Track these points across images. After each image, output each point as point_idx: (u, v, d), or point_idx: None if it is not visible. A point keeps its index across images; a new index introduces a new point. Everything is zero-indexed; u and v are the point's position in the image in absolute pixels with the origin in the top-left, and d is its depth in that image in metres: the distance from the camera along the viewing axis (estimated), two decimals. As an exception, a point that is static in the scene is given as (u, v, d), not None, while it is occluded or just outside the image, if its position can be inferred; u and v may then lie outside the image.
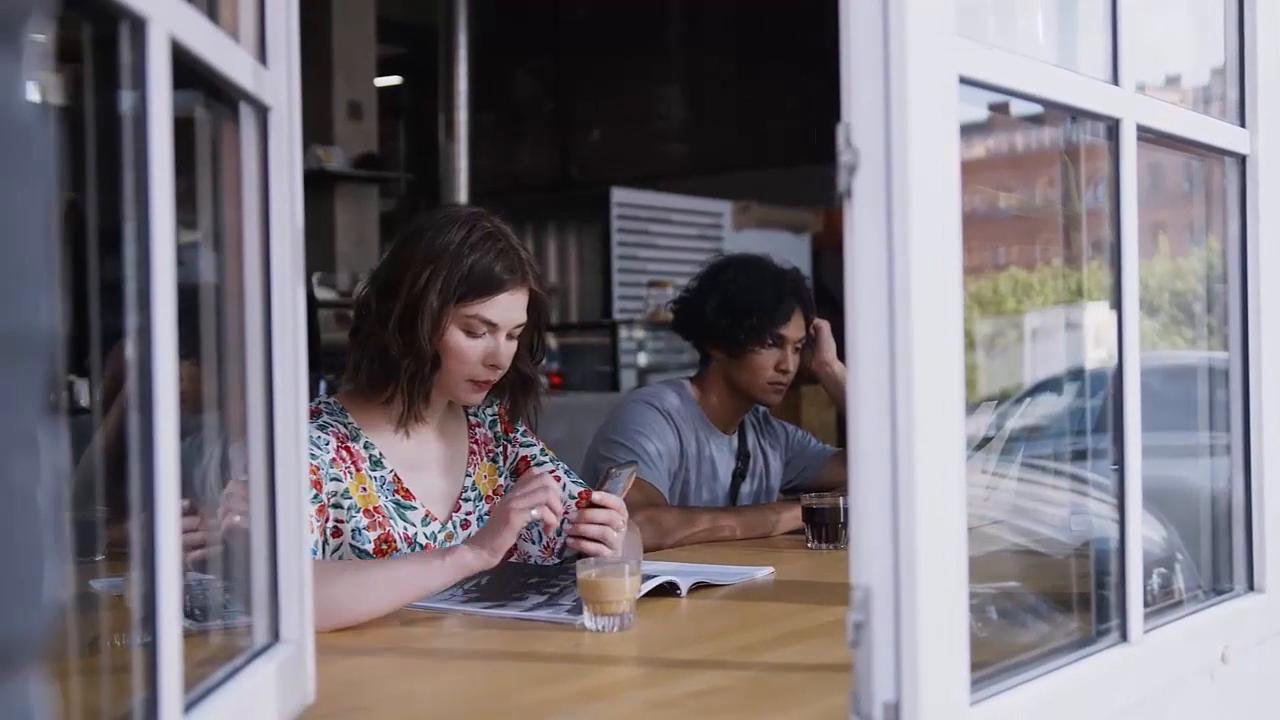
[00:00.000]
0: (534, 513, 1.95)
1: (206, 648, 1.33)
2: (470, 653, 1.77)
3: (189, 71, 1.10)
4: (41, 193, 0.51)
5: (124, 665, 1.13)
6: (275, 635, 1.35)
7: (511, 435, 2.40)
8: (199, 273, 1.33)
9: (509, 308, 2.18)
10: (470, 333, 2.17)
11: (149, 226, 0.99)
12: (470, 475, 2.32)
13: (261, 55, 1.33)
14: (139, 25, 0.98)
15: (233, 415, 1.39)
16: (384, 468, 2.20)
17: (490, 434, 2.39)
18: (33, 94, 0.52)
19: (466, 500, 2.31)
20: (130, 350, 1.00)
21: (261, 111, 1.33)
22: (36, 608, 0.51)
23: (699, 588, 2.16)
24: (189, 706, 1.08)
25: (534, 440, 2.42)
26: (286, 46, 1.36)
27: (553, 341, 7.53)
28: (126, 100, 1.00)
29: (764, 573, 2.33)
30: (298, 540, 1.37)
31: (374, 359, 2.18)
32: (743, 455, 3.12)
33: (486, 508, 2.32)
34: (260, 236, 1.34)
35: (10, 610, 0.50)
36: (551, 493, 1.98)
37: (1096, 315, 1.89)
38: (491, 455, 2.37)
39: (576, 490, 2.37)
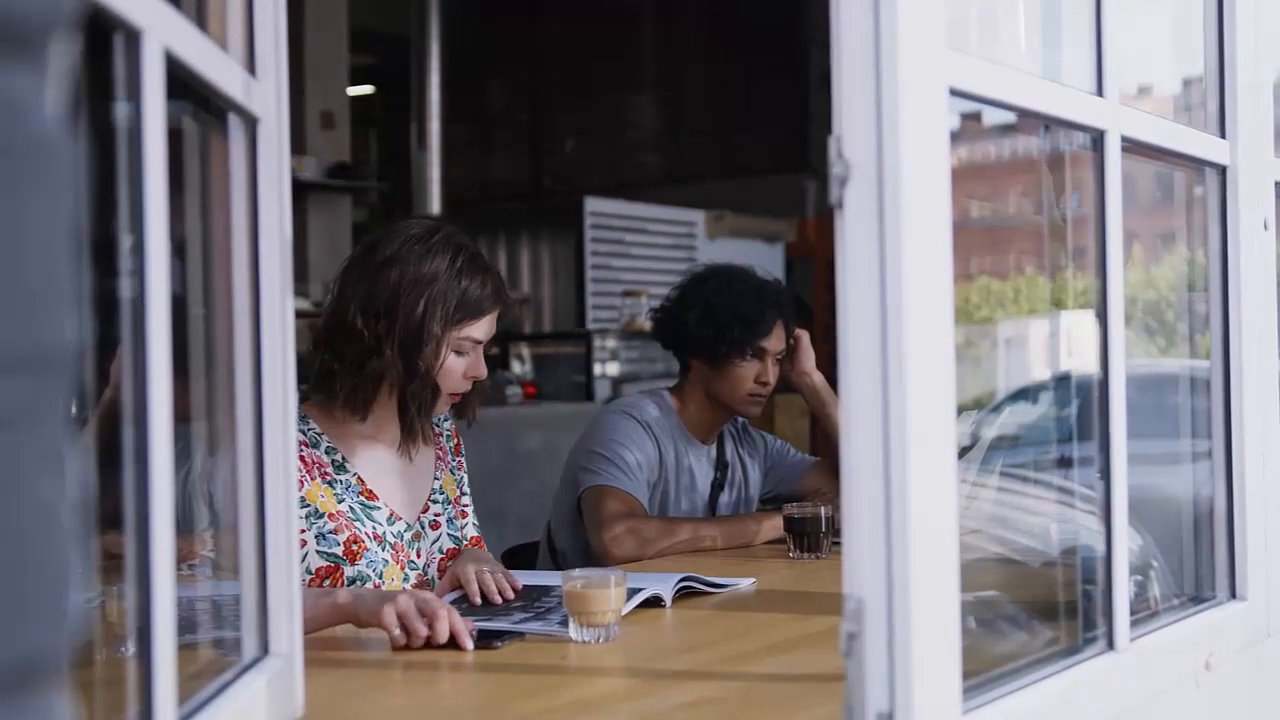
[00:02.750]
0: (395, 632, 1.81)
1: (195, 661, 1.32)
2: (457, 665, 1.76)
3: (179, 82, 1.09)
4: (66, 209, 0.51)
5: (112, 678, 1.13)
6: (265, 649, 1.34)
7: (458, 458, 2.49)
8: (186, 283, 1.32)
9: (492, 324, 2.30)
10: (459, 352, 2.26)
11: (144, 237, 0.98)
12: (439, 479, 2.40)
13: (251, 67, 1.32)
14: (134, 36, 0.97)
15: (218, 427, 1.38)
16: (348, 471, 2.26)
17: (448, 446, 2.47)
18: (56, 109, 0.52)
19: (435, 502, 2.38)
20: (124, 361, 0.99)
21: (251, 123, 1.32)
22: (62, 625, 0.51)
23: (686, 593, 2.16)
24: (182, 721, 1.07)
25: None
26: (275, 58, 1.36)
27: (526, 351, 7.52)
28: (120, 111, 0.99)
29: (747, 583, 2.34)
30: (287, 554, 1.37)
31: (370, 382, 2.22)
32: (721, 465, 3.12)
33: (453, 511, 2.40)
34: (249, 247, 1.34)
35: (38, 628, 0.49)
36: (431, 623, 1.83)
37: (1070, 324, 1.90)
38: (450, 467, 2.46)
39: (472, 534, 2.44)
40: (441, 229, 2.31)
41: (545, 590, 2.17)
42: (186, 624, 1.35)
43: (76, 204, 0.53)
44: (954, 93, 1.23)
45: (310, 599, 1.89)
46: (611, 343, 7.34)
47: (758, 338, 2.95)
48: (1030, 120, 1.60)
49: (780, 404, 6.50)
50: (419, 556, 2.31)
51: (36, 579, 0.49)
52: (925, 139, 1.18)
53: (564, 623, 1.89)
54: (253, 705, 1.26)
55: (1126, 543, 1.52)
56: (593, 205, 7.90)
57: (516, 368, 7.31)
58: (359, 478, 2.26)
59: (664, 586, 2.13)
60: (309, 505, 2.17)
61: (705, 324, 2.95)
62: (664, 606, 2.10)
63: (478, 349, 2.28)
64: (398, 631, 1.81)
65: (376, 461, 2.30)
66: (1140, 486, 1.74)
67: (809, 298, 7.38)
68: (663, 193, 8.69)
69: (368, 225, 8.80)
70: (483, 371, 2.29)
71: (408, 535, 2.29)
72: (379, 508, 2.26)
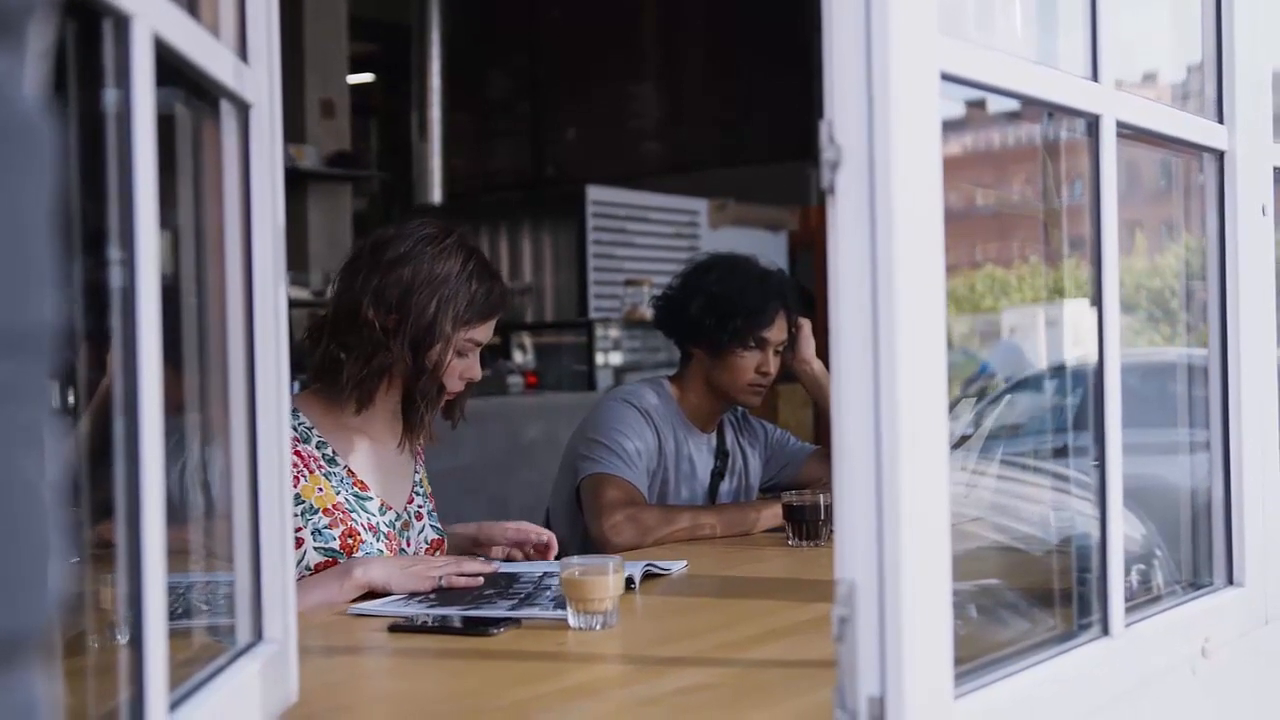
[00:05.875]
0: (442, 582, 2.13)
1: (188, 647, 1.32)
2: (453, 651, 1.76)
3: (169, 69, 1.09)
4: (45, 190, 0.52)
5: (103, 665, 1.13)
6: (258, 634, 1.35)
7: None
8: (178, 272, 1.32)
9: (492, 329, 2.36)
10: (461, 354, 2.31)
11: (134, 226, 0.98)
12: (418, 472, 2.45)
13: (242, 52, 1.32)
14: (122, 22, 0.97)
15: (213, 415, 1.38)
16: (339, 464, 2.29)
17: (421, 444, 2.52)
18: (35, 91, 0.52)
19: (418, 494, 2.43)
20: (115, 351, 0.99)
21: (243, 109, 1.32)
22: (42, 602, 0.51)
23: (687, 583, 2.18)
24: (174, 705, 1.07)
25: None
26: (267, 44, 1.36)
27: (528, 341, 7.52)
28: (109, 98, 0.99)
29: (679, 566, 2.36)
30: (280, 540, 1.37)
31: (375, 375, 2.26)
32: (721, 454, 3.12)
33: (431, 504, 2.46)
34: (241, 235, 1.34)
35: (19, 604, 0.50)
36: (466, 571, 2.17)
37: (1074, 313, 1.90)
38: (424, 461, 2.51)
39: (432, 536, 2.45)
40: (454, 231, 2.35)
41: (515, 577, 2.19)
42: (181, 610, 1.35)
43: (56, 186, 0.53)
44: (946, 77, 1.23)
45: (324, 585, 2.08)
46: (614, 332, 7.34)
47: (760, 328, 2.95)
48: (1033, 108, 1.59)
49: (782, 393, 6.50)
50: (409, 545, 2.36)
51: (17, 555, 0.49)
52: (917, 124, 1.18)
53: (555, 604, 1.90)
54: (247, 690, 1.26)
55: (1122, 528, 1.52)
56: (595, 194, 7.89)
57: (518, 357, 7.31)
58: (349, 469, 2.30)
59: (633, 570, 2.15)
60: (304, 501, 2.21)
61: (707, 313, 2.95)
62: (634, 590, 2.11)
63: (476, 352, 2.34)
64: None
65: (363, 454, 2.34)
66: (1143, 475, 1.74)
67: (812, 287, 7.37)
68: (665, 181, 8.69)
69: (368, 214, 8.81)
70: (478, 374, 2.35)
71: (398, 525, 2.34)
72: (370, 498, 2.31)
